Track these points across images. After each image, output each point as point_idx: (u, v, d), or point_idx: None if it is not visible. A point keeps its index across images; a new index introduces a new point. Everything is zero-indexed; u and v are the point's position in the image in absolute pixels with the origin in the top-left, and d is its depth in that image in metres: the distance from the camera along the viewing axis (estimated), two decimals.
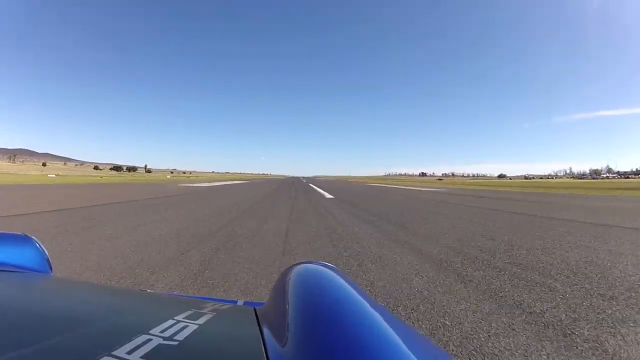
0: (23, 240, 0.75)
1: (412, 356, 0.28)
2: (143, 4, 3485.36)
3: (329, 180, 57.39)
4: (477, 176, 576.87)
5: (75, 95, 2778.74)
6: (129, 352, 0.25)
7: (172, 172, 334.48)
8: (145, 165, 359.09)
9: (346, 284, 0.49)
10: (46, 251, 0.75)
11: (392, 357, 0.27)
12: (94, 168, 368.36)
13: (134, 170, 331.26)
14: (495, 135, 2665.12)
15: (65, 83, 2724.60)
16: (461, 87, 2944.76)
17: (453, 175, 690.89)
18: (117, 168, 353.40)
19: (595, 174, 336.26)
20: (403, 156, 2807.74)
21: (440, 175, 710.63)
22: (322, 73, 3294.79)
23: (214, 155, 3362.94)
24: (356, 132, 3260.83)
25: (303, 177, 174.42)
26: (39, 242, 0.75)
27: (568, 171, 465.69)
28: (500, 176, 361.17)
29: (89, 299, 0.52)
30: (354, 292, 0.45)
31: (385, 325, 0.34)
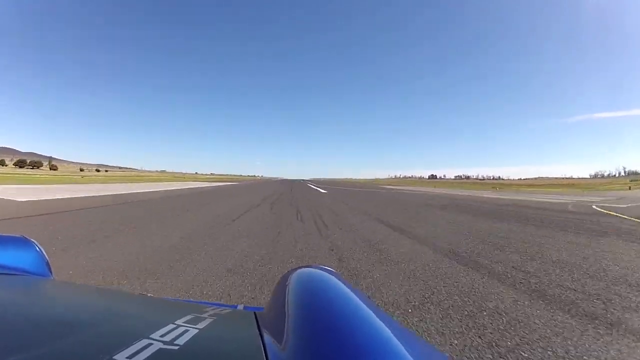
0: (22, 243, 0.73)
1: None
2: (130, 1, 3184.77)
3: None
4: (495, 178, 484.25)
5: (65, 96, 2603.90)
6: (130, 357, 0.25)
7: (82, 170, 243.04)
8: (50, 160, 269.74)
9: (346, 288, 0.48)
10: (46, 254, 0.74)
11: None
12: None
13: (39, 167, 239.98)
14: (510, 137, 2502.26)
15: (59, 83, 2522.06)
16: (469, 86, 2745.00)
17: (467, 177, 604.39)
18: (20, 163, 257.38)
19: None
20: (409, 158, 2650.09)
21: (453, 177, 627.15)
22: (321, 72, 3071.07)
23: (207, 156, 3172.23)
24: (357, 133, 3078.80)
25: (303, 179, 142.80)
26: (38, 245, 0.74)
27: (622, 171, 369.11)
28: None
29: (89, 303, 0.51)
30: (354, 296, 0.45)
31: (385, 329, 0.34)
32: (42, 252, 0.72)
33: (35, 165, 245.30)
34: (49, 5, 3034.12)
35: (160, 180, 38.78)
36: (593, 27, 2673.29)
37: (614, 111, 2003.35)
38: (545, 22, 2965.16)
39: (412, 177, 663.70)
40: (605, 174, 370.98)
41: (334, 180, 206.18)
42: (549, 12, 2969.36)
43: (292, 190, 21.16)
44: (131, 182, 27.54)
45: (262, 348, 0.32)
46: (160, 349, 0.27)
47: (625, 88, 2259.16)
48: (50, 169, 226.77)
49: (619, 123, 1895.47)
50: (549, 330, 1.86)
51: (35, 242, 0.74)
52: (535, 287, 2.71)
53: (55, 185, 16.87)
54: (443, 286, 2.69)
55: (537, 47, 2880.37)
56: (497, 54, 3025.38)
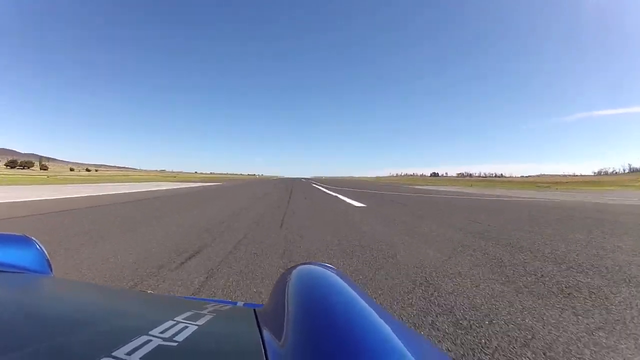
0: (23, 241, 0.73)
1: (412, 358, 0.27)
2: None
3: None
4: (497, 176, 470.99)
5: (65, 96, 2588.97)
6: (129, 353, 0.25)
7: (72, 170, 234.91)
8: (40, 160, 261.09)
9: (346, 285, 0.48)
10: (46, 252, 0.74)
11: (391, 358, 0.27)
12: None
13: (30, 167, 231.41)
14: (510, 136, 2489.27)
15: (56, 84, 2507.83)
16: (469, 86, 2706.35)
17: (470, 175, 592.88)
18: (11, 164, 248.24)
19: None
20: (409, 157, 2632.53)
21: (455, 175, 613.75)
22: (321, 72, 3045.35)
23: (207, 155, 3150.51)
24: (357, 133, 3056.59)
25: (306, 178, 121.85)
26: (38, 242, 0.75)
27: (627, 168, 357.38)
28: None
29: (88, 300, 0.51)
30: (353, 293, 0.44)
31: (386, 327, 0.34)
32: (42, 250, 0.73)
33: (26, 165, 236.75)
34: (49, 5, 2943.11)
35: (143, 180, 30.09)
36: (593, 27, 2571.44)
37: (615, 108, 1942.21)
38: (545, 22, 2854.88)
39: (413, 175, 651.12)
40: (610, 171, 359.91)
41: (337, 179, 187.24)
42: (549, 12, 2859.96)
43: (291, 204, 8.14)
44: (100, 183, 20.21)
45: (262, 344, 0.32)
46: (159, 345, 0.27)
47: (625, 86, 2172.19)
48: (41, 168, 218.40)
49: (620, 120, 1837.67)
50: None
51: (36, 240, 0.74)
52: None
53: None
54: None
55: (537, 47, 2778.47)
56: (497, 54, 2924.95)
